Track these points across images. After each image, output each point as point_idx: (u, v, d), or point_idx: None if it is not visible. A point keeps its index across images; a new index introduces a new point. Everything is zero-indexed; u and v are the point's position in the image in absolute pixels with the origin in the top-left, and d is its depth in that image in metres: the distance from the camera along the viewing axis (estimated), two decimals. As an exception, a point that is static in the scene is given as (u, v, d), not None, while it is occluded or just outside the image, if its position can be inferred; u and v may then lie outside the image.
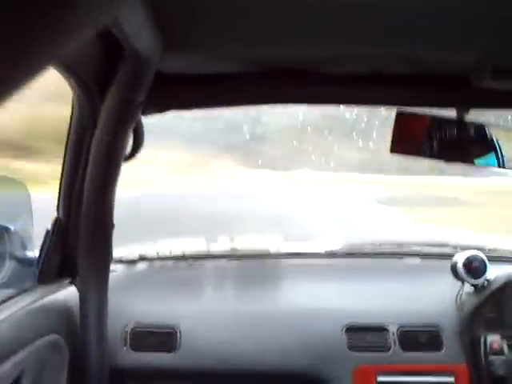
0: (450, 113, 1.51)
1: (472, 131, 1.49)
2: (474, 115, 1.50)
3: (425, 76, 1.45)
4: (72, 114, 1.51)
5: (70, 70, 1.32)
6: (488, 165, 1.52)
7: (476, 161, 1.51)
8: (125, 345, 1.85)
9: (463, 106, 1.48)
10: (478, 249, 1.97)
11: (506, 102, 1.49)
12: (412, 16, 1.11)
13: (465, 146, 1.50)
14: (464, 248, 1.98)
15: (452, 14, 1.09)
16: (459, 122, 1.49)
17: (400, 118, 1.48)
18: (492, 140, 1.49)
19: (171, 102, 1.57)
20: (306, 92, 1.55)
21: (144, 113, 1.50)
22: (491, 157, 1.51)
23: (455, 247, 2.15)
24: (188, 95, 1.56)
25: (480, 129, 1.49)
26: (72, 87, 1.42)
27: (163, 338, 1.86)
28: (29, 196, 1.58)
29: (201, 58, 1.38)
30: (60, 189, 1.57)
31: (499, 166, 1.50)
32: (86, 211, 1.47)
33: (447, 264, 1.93)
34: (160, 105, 1.56)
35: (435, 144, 1.51)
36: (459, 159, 1.52)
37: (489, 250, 2.15)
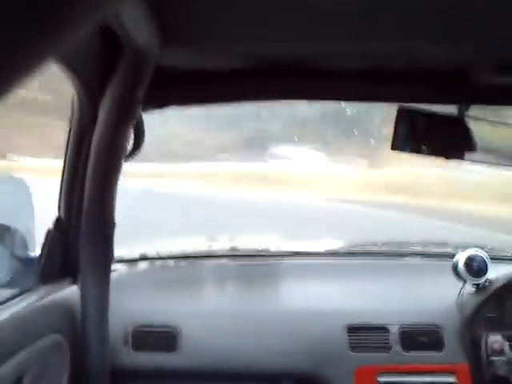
0: (451, 109, 1.51)
1: (471, 127, 1.50)
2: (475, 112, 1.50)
3: (426, 72, 1.45)
4: (72, 110, 1.51)
5: (69, 66, 1.32)
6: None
7: (474, 156, 1.52)
8: (126, 344, 1.84)
9: (464, 103, 1.48)
10: (479, 248, 1.97)
11: (507, 98, 1.48)
12: (412, 12, 1.11)
13: (464, 142, 1.50)
14: (465, 247, 1.98)
15: (452, 10, 1.09)
16: (459, 119, 1.49)
17: (401, 114, 1.48)
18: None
19: (171, 98, 1.57)
20: (306, 88, 1.54)
21: (143, 109, 1.49)
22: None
23: (456, 247, 2.15)
24: (188, 91, 1.55)
25: (478, 125, 1.50)
26: (72, 83, 1.41)
27: (164, 337, 1.86)
28: (30, 194, 1.57)
29: (200, 53, 1.38)
30: (61, 187, 1.56)
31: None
32: (86, 210, 1.46)
33: (448, 263, 1.93)
34: (159, 101, 1.55)
35: (435, 140, 1.51)
36: (459, 155, 1.52)
37: (490, 249, 2.15)
